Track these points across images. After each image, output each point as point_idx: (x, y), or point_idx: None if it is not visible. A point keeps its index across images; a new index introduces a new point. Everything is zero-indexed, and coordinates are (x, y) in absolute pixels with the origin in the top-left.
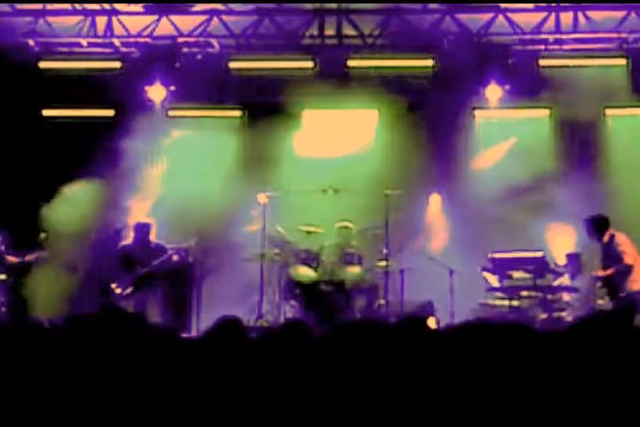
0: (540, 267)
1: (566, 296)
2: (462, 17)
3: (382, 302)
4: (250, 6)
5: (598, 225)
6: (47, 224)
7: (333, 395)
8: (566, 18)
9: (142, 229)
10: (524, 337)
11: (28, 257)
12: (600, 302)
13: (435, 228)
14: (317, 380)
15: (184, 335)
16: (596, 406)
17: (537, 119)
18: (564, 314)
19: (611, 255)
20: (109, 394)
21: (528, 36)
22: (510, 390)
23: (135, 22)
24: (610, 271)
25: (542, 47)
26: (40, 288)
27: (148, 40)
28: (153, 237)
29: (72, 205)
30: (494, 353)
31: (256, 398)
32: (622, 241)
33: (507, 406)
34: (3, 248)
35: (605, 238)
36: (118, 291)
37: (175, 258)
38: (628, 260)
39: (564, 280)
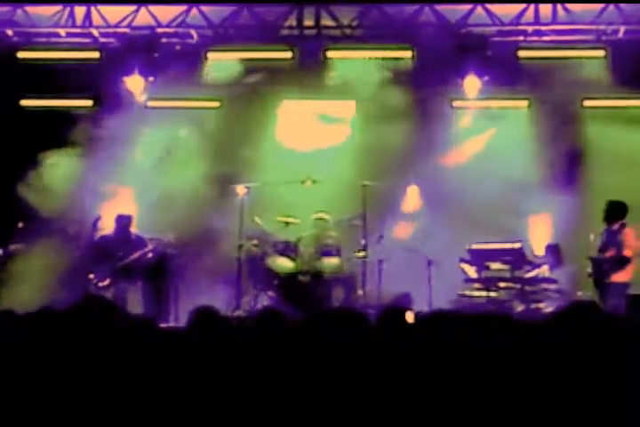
0: (518, 258)
1: (544, 287)
2: (441, 8)
3: (360, 292)
4: None
5: (615, 210)
6: (25, 213)
7: (309, 384)
8: (545, 9)
9: (123, 221)
10: (503, 327)
11: (6, 250)
12: (580, 293)
13: (412, 219)
14: (294, 368)
15: (162, 325)
16: (573, 393)
17: (515, 110)
18: (541, 305)
19: (612, 243)
20: (86, 385)
21: (507, 28)
22: (490, 380)
23: (114, 12)
24: (609, 254)
25: (521, 38)
26: (18, 280)
27: (126, 30)
28: (133, 229)
29: (49, 192)
30: (472, 343)
31: (234, 386)
32: (629, 234)
33: (485, 395)
34: None
35: (615, 226)
36: (96, 282)
37: (150, 255)
38: (626, 252)
39: (543, 271)
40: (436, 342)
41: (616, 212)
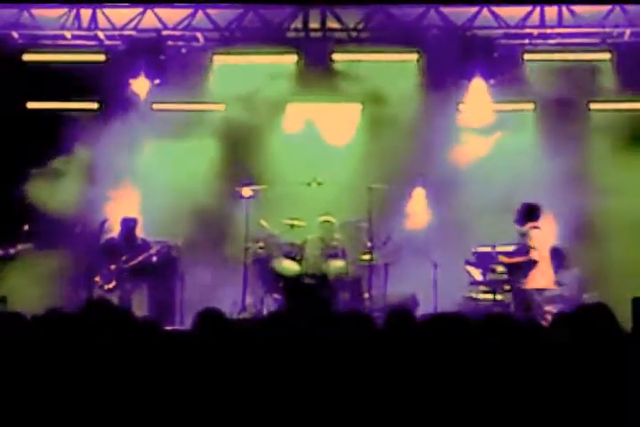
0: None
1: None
2: (447, 10)
3: (366, 295)
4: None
5: (525, 212)
6: (30, 215)
7: (315, 386)
8: (551, 12)
9: (128, 224)
10: (507, 330)
11: (13, 250)
12: (585, 296)
13: (418, 221)
14: (300, 371)
15: (167, 328)
16: (577, 395)
17: (521, 113)
18: (547, 308)
19: (521, 246)
20: (93, 387)
21: (513, 30)
22: (494, 381)
23: (120, 15)
24: (513, 260)
25: (527, 41)
26: (24, 281)
27: (132, 33)
28: (139, 233)
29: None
30: (478, 346)
31: (240, 388)
32: (536, 237)
33: (491, 396)
34: None
35: (525, 228)
36: (102, 284)
37: (155, 258)
38: (533, 255)
39: None
40: (442, 344)
41: (526, 214)
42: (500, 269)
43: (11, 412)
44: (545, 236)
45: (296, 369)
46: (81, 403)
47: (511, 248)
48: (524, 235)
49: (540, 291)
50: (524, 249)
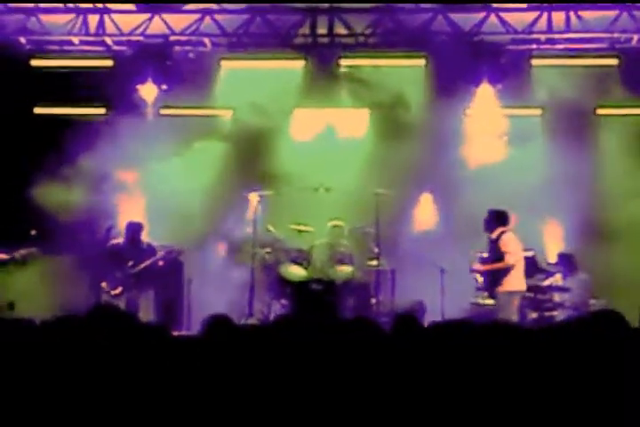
0: (530, 266)
1: (557, 296)
2: (454, 16)
3: (373, 301)
4: (242, 5)
5: (493, 219)
6: (37, 220)
7: (324, 393)
8: (558, 17)
9: (133, 229)
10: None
11: (19, 254)
12: (593, 301)
13: (425, 227)
14: (308, 377)
15: (174, 333)
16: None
17: (529, 118)
18: (554, 313)
19: (495, 252)
20: (102, 393)
21: (520, 36)
22: (500, 389)
23: (127, 21)
24: (487, 267)
25: (534, 47)
26: (31, 286)
27: (140, 38)
28: (144, 237)
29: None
30: (483, 352)
31: (248, 394)
32: (508, 241)
33: (497, 403)
34: None
35: (494, 234)
36: (108, 290)
37: (161, 263)
38: (508, 260)
39: (556, 280)
40: (449, 350)
41: (494, 220)
42: (480, 278)
43: (20, 416)
44: (516, 239)
45: (304, 375)
46: (90, 409)
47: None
48: (495, 241)
49: (516, 293)
50: (498, 255)
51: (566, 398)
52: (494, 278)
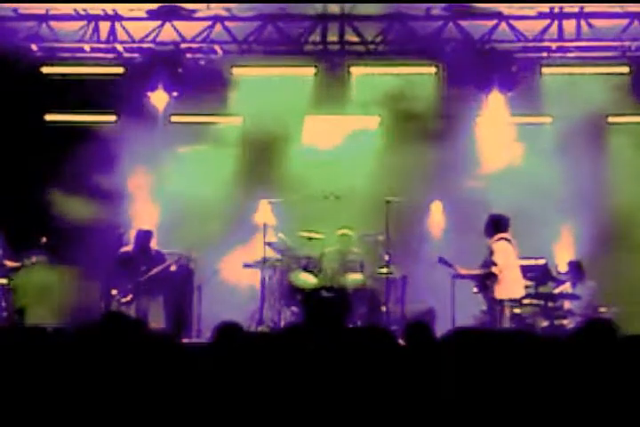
0: (542, 274)
1: (567, 304)
2: (465, 24)
3: (383, 308)
4: (253, 12)
5: (491, 225)
6: (48, 227)
7: (335, 401)
8: (569, 25)
9: (143, 237)
10: (526, 344)
11: (28, 261)
12: (602, 309)
13: (436, 234)
14: (318, 384)
15: (184, 340)
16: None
17: (540, 126)
18: (565, 322)
19: (487, 259)
20: (111, 400)
21: (531, 44)
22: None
23: (138, 28)
24: (472, 272)
25: (545, 55)
26: (42, 294)
27: (150, 46)
28: (154, 245)
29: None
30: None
31: (258, 402)
32: (498, 250)
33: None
34: (1, 252)
35: (491, 241)
36: (119, 298)
37: (173, 268)
38: (493, 269)
39: (566, 288)
40: (460, 359)
41: (492, 226)
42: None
43: (31, 423)
44: (510, 247)
45: (314, 382)
46: (100, 416)
47: (530, 262)
48: (489, 248)
49: (506, 301)
50: (489, 262)
51: (582, 407)
52: (484, 286)
